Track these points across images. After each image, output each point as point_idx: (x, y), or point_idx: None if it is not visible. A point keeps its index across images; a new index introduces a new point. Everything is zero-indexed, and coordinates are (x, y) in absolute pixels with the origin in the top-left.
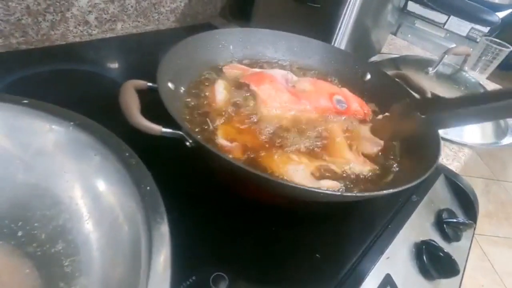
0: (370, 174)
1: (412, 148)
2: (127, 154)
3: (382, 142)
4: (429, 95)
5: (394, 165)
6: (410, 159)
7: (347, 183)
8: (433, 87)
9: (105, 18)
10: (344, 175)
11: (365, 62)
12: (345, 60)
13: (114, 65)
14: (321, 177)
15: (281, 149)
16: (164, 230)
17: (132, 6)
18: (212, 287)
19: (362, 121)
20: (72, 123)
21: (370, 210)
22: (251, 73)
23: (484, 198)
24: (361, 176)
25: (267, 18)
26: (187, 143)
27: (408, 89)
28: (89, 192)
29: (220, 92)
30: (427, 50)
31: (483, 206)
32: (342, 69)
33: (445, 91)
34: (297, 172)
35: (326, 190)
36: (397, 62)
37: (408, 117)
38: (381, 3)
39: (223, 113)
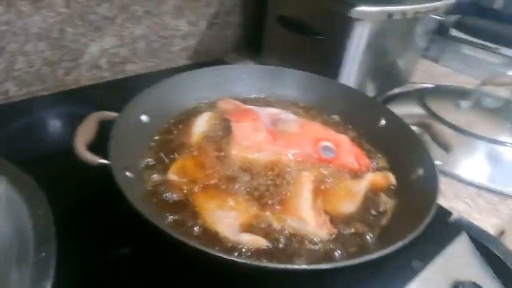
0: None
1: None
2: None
3: (355, 205)
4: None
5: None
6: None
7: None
8: (469, 122)
9: (116, 61)
10: (286, 232)
11: (375, 102)
12: (351, 98)
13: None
14: (251, 230)
15: (225, 191)
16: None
17: (142, 49)
18: None
19: (354, 176)
20: None
21: (356, 280)
22: (240, 109)
23: None
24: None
25: (276, 52)
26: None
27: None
28: None
29: (198, 125)
30: (477, 78)
31: None
32: (352, 109)
33: (488, 127)
34: (224, 219)
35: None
36: (422, 93)
37: None
38: (404, 27)
39: (191, 147)
